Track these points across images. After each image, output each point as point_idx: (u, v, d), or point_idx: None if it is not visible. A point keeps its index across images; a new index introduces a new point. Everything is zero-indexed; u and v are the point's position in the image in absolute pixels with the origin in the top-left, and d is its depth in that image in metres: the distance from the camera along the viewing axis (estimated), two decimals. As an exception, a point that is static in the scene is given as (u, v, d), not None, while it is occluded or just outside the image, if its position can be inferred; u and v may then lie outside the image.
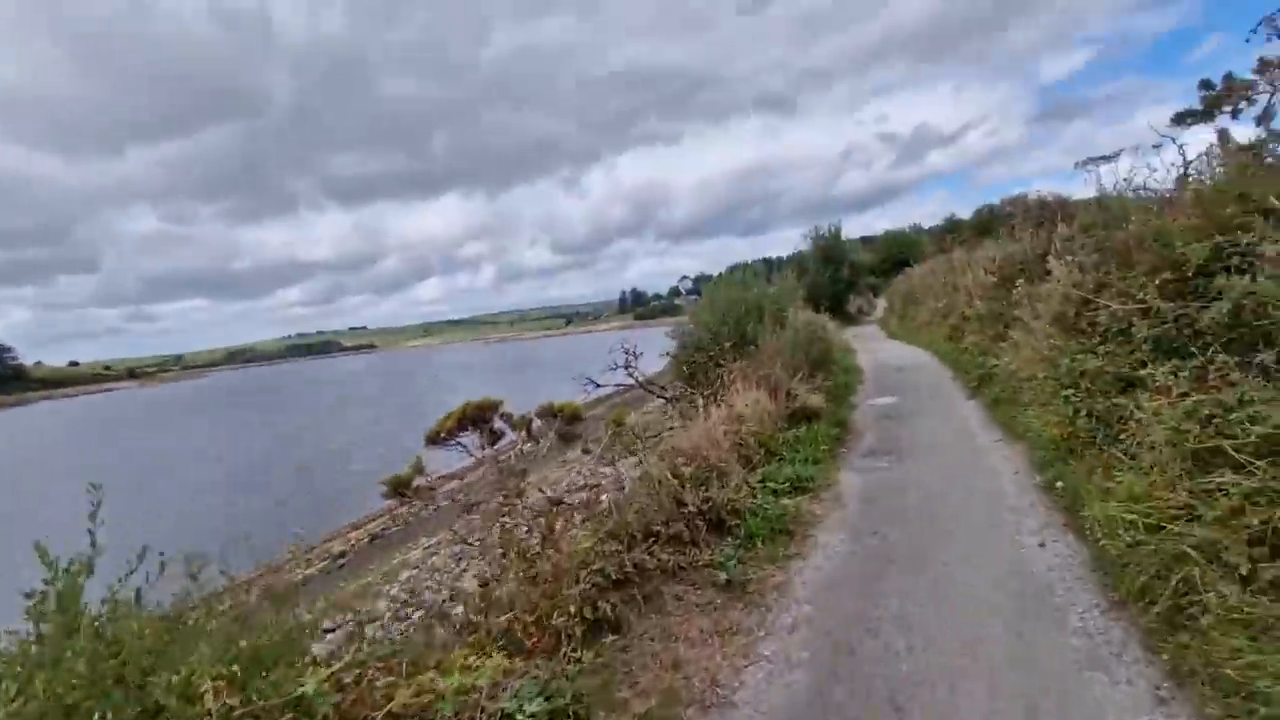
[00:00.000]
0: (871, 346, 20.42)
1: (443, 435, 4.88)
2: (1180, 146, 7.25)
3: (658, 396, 9.55)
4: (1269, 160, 6.08)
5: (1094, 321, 5.95)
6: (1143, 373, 4.85)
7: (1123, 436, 4.41)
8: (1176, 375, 4.07)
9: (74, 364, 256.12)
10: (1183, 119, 8.69)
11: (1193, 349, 4.50)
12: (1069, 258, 7.65)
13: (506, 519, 4.54)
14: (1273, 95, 7.72)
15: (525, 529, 4.68)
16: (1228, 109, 8.16)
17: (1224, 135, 7.54)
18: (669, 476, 5.21)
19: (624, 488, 5.80)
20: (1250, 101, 8.01)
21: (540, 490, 5.01)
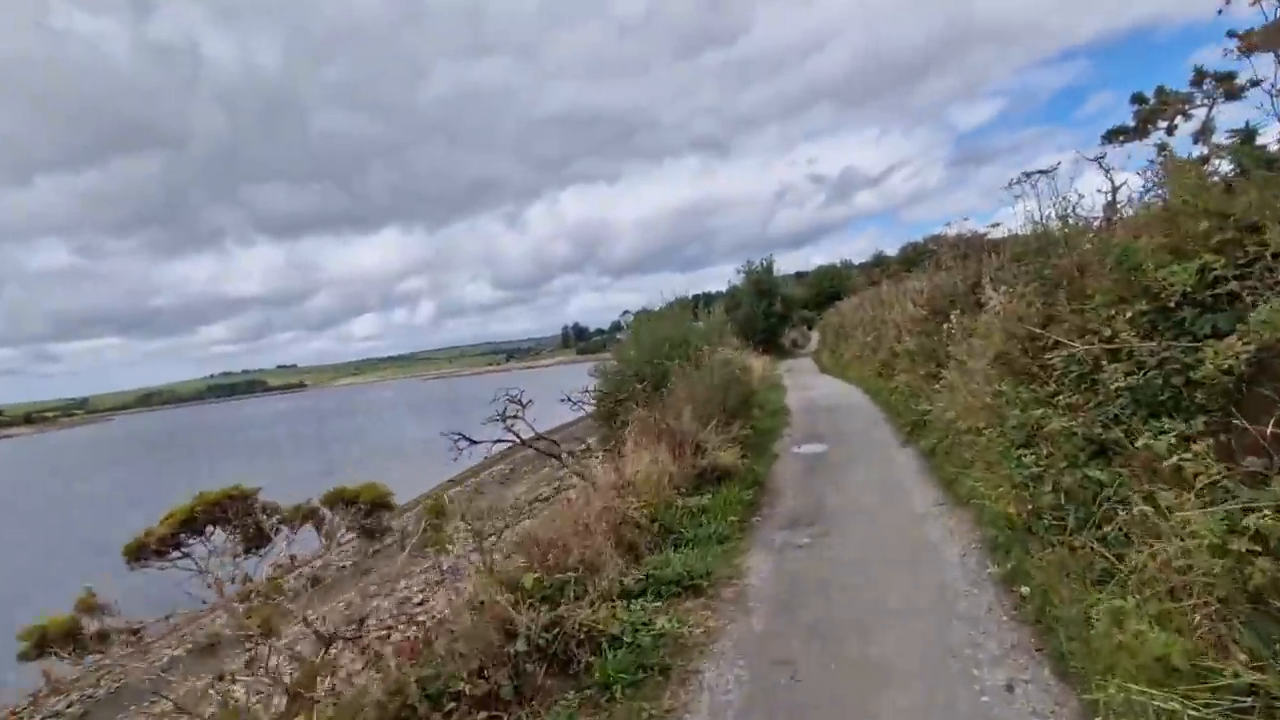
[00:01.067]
0: (803, 382, 19.56)
1: (153, 546, 3.44)
2: (1107, 169, 6.35)
3: (548, 455, 8.02)
4: (1215, 178, 5.19)
5: (1046, 364, 4.82)
6: (1120, 434, 3.68)
7: (1108, 535, 3.16)
8: (1184, 446, 2.86)
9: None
10: (1114, 136, 8.01)
11: (1190, 405, 3.35)
12: (1005, 288, 6.65)
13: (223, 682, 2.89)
14: (1211, 107, 7.08)
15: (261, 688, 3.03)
16: (1163, 124, 7.50)
17: (1165, 149, 6.69)
18: (498, 593, 3.67)
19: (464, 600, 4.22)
20: (1186, 116, 7.39)
21: (306, 623, 3.37)
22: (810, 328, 46.27)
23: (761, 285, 34.68)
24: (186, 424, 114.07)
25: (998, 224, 9.83)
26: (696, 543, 5.48)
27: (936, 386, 7.97)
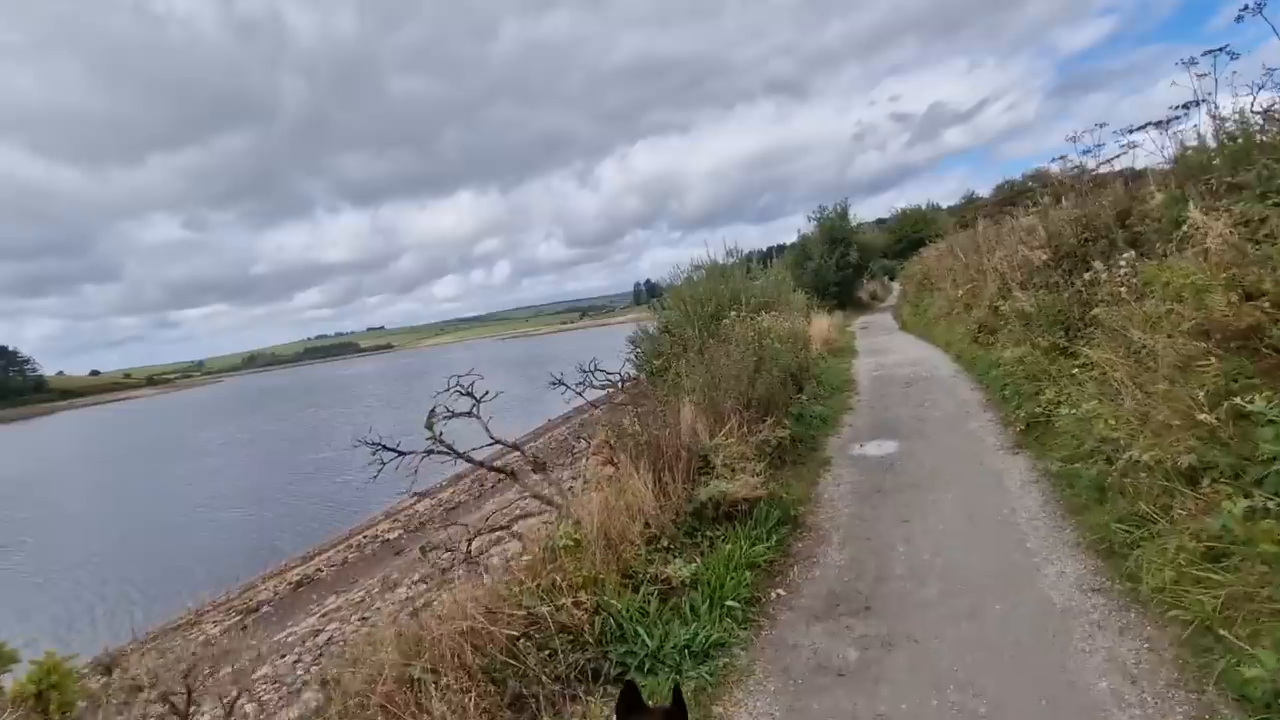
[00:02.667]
0: (879, 343, 16.58)
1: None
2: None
3: (500, 474, 5.81)
4: None
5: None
6: None
7: None
8: None
9: (95, 373, 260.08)
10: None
11: None
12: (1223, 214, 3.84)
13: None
14: None
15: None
16: None
17: None
18: None
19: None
20: None
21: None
22: (891, 278, 41.83)
23: (835, 233, 30.99)
24: (295, 383, 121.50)
25: (1131, 146, 6.71)
26: (654, 666, 3.20)
27: (1074, 370, 5.21)
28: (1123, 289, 4.70)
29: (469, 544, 5.47)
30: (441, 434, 5.37)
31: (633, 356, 11.48)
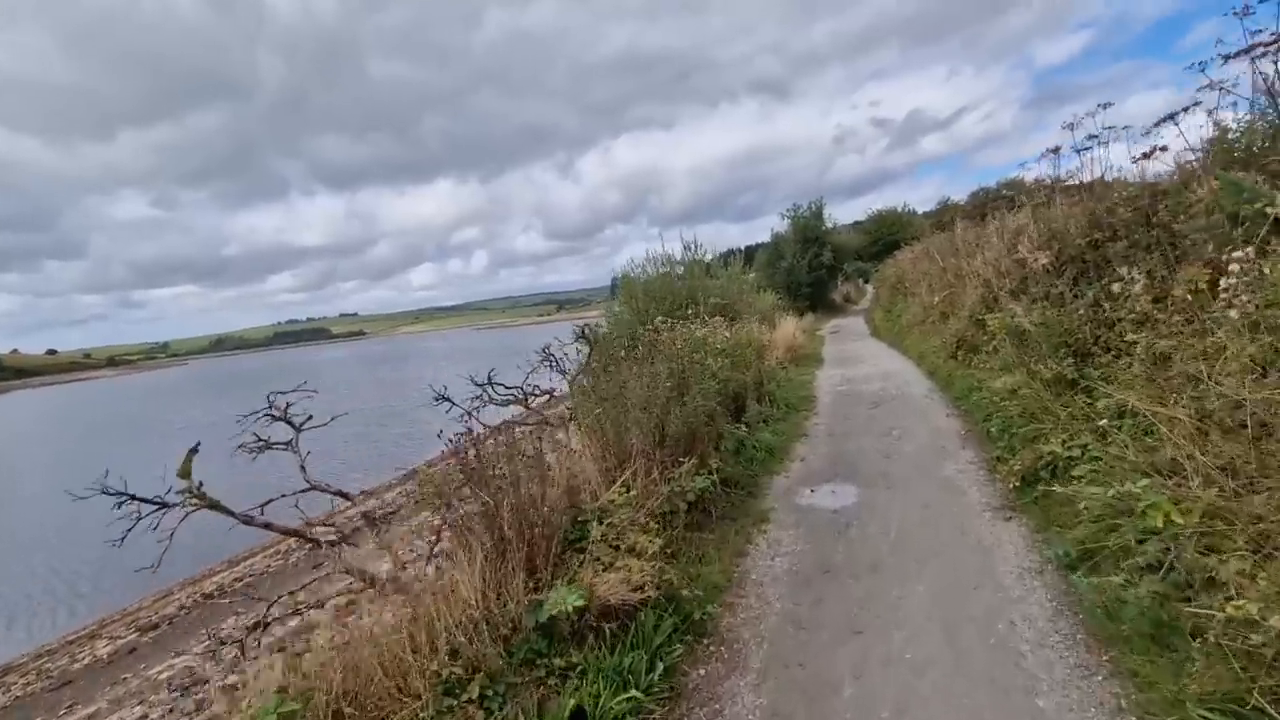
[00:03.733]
0: (848, 350, 15.22)
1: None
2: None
3: (304, 540, 4.19)
4: None
5: None
6: None
7: None
8: None
9: (52, 352, 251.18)
10: None
11: None
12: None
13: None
14: None
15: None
16: None
17: None
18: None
19: None
20: None
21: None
22: (866, 281, 40.80)
23: (809, 232, 29.68)
24: (262, 367, 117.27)
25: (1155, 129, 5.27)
26: None
27: (1098, 416, 3.75)
28: (1173, 312, 3.25)
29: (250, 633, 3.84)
30: (207, 491, 3.72)
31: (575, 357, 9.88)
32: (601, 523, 3.66)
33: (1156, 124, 5.48)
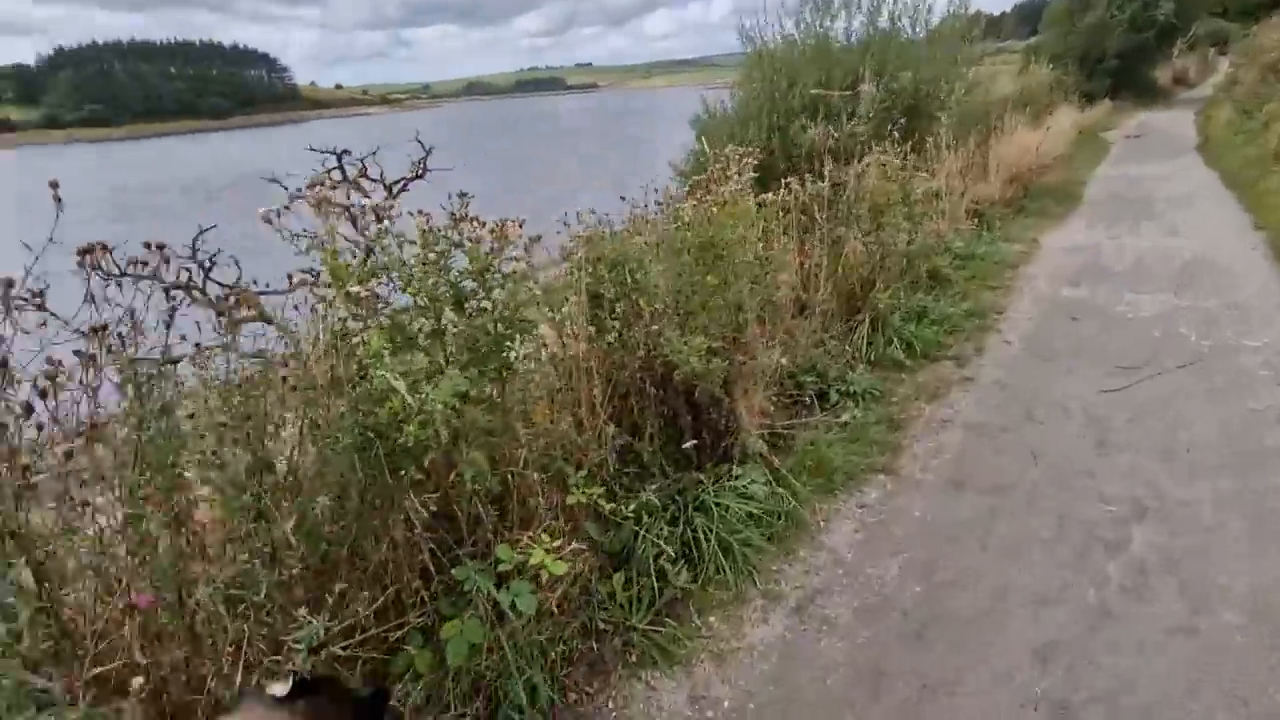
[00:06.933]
0: (1137, 187, 9.71)
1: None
2: None
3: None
4: None
5: None
6: None
7: None
8: None
9: (339, 87, 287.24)
10: None
11: None
12: None
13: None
14: None
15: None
16: None
17: None
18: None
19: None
20: None
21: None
22: (1222, 52, 28.30)
23: (1145, -29, 20.49)
24: (508, 114, 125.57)
25: None
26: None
27: None
28: None
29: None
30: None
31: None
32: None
33: None
